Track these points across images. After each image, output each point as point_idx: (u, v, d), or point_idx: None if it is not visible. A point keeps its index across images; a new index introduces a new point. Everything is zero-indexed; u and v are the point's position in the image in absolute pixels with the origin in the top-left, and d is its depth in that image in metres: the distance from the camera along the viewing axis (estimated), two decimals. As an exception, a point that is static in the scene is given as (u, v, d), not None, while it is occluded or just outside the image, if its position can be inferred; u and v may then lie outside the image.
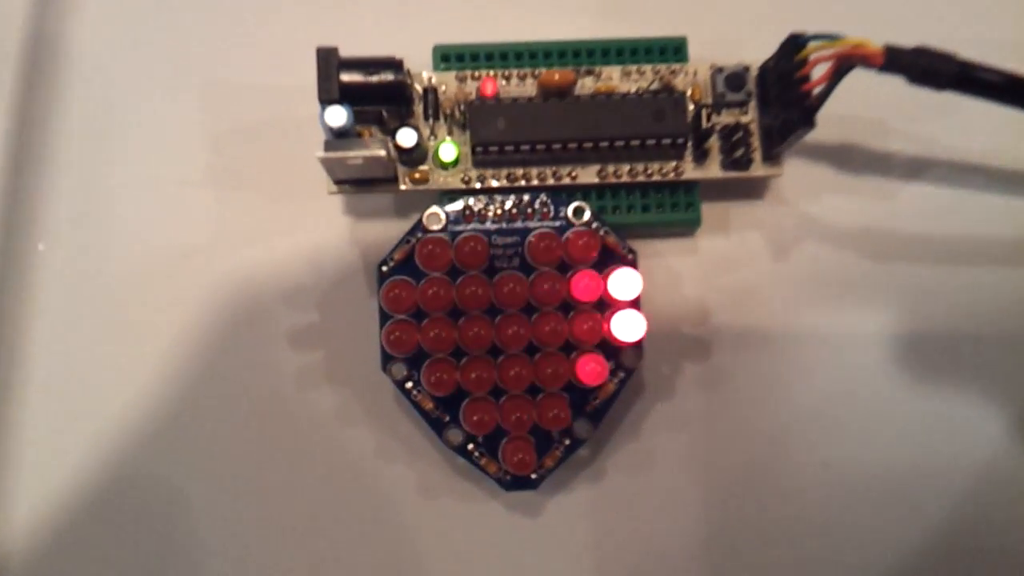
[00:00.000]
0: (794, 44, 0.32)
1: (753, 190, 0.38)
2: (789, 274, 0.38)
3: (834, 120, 0.36)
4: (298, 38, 0.36)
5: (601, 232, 0.34)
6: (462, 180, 0.35)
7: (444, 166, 0.35)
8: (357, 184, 0.34)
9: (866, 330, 0.37)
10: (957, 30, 0.35)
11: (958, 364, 0.37)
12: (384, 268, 0.34)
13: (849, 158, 0.39)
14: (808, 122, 0.32)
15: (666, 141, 0.34)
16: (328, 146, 0.32)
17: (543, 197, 0.35)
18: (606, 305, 0.34)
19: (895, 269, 0.38)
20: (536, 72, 0.35)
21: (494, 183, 0.35)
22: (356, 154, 0.31)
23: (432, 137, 0.35)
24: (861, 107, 0.38)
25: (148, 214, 0.38)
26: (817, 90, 0.32)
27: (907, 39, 0.32)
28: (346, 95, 0.32)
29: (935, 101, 0.35)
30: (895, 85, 0.33)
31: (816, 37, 0.32)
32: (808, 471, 0.36)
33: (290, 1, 0.39)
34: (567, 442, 0.34)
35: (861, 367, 0.37)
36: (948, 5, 0.39)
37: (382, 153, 0.31)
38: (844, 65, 0.31)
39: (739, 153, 0.35)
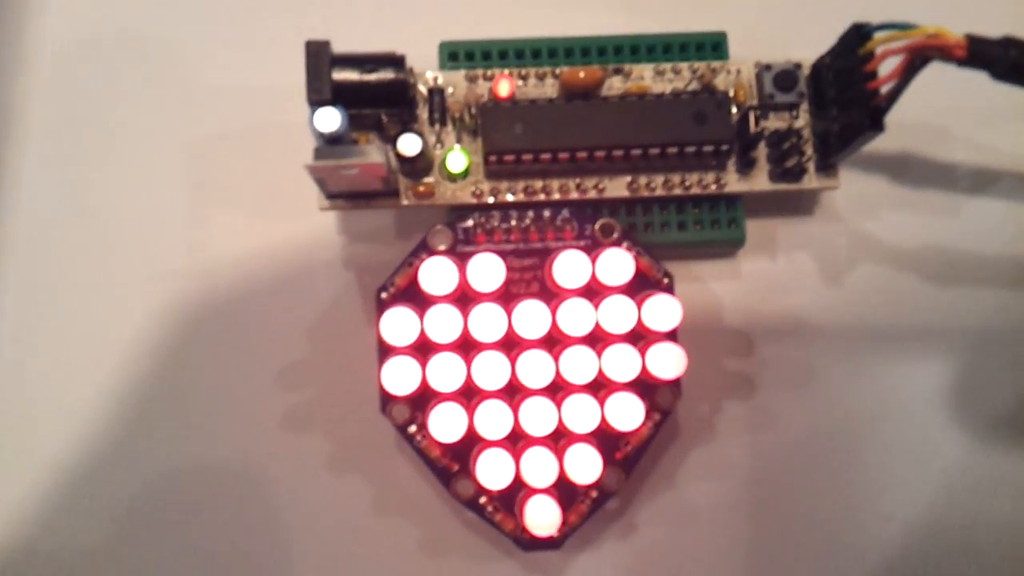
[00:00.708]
0: (858, 36, 0.29)
1: (802, 205, 0.35)
2: (843, 300, 0.34)
3: (891, 127, 0.32)
4: (287, 32, 0.33)
5: (633, 253, 0.30)
6: (473, 194, 0.31)
7: (452, 178, 0.31)
8: (353, 199, 0.31)
9: (931, 365, 0.34)
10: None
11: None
12: (383, 295, 0.30)
13: (908, 169, 0.35)
14: (876, 125, 0.28)
15: (707, 149, 0.30)
16: (319, 154, 0.28)
17: (566, 213, 0.31)
18: (640, 337, 0.30)
19: (962, 294, 0.34)
20: (557, 71, 0.31)
21: (509, 197, 0.31)
22: (350, 163, 0.27)
23: (438, 145, 0.31)
24: (921, 112, 0.34)
25: (116, 232, 0.34)
26: (885, 88, 0.28)
27: (978, 28, 0.28)
28: (339, 96, 0.29)
29: (1003, 104, 0.31)
30: (961, 85, 0.29)
31: (884, 27, 0.28)
32: (869, 525, 0.33)
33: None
34: (594, 494, 0.30)
35: (927, 408, 0.34)
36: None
37: (380, 162, 0.27)
38: (918, 59, 0.27)
39: (791, 162, 0.31)
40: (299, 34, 0.29)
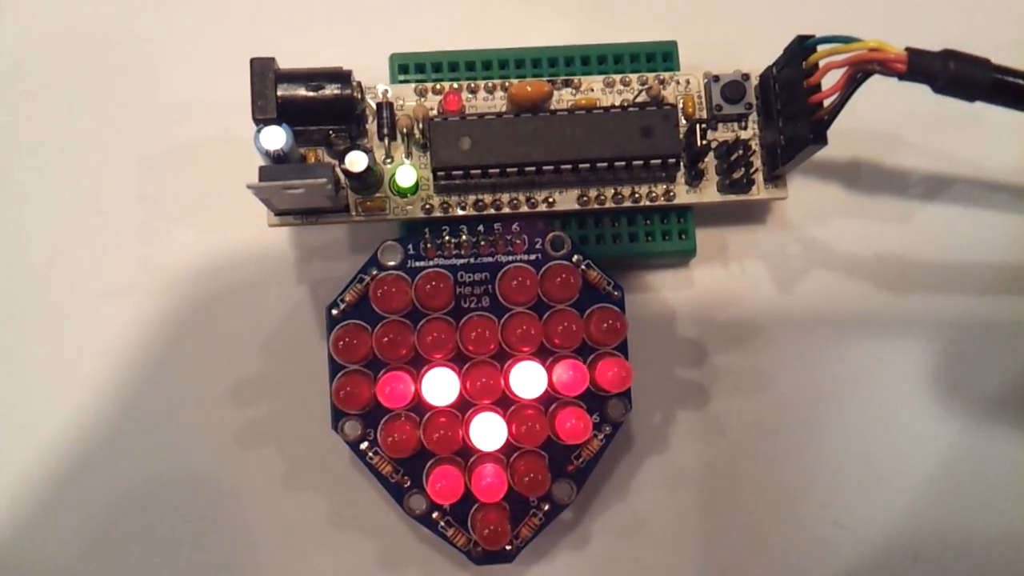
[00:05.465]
0: (802, 48, 0.29)
1: (754, 215, 0.35)
2: (795, 308, 0.34)
3: (842, 135, 0.32)
4: (239, 46, 0.32)
5: (583, 266, 0.30)
6: (423, 209, 0.31)
7: (402, 193, 0.31)
8: (302, 215, 0.31)
9: (883, 372, 0.34)
10: (980, 32, 0.32)
11: (989, 410, 0.34)
12: (334, 311, 0.30)
13: (859, 177, 0.35)
14: (819, 138, 0.28)
15: (655, 161, 0.30)
16: (264, 174, 0.28)
17: (516, 227, 0.31)
18: (589, 350, 0.30)
19: (913, 300, 0.34)
20: (506, 84, 0.31)
21: (459, 211, 0.31)
22: (294, 183, 0.27)
23: (388, 160, 0.31)
24: (871, 120, 0.34)
25: (64, 249, 0.34)
26: (829, 101, 0.28)
27: (925, 42, 0.28)
28: (286, 113, 0.29)
29: (953, 113, 0.31)
30: (910, 95, 0.29)
31: (827, 40, 0.28)
32: (818, 532, 0.33)
33: (227, 7, 0.35)
34: (546, 507, 0.30)
35: (879, 415, 0.34)
36: (970, 4, 0.35)
37: (323, 182, 0.27)
38: (860, 72, 0.27)
39: (738, 174, 0.31)
40: (250, 48, 0.29)
